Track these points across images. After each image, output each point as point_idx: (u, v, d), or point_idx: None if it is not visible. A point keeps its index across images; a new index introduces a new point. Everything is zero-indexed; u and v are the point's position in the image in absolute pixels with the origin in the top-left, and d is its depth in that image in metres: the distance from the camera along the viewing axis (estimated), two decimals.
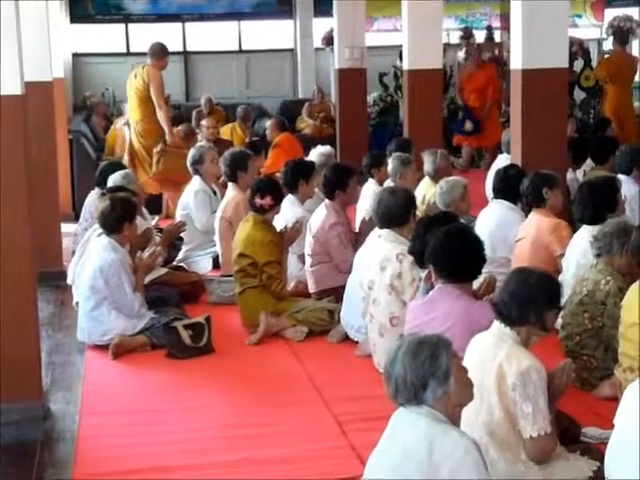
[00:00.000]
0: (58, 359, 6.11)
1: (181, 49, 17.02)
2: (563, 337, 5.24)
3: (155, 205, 9.93)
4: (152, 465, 4.44)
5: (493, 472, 3.50)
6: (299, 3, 17.19)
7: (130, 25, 17.11)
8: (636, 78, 13.16)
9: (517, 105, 7.32)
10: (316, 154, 8.59)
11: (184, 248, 8.12)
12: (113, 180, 7.34)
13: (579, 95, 14.11)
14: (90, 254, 6.40)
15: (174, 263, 7.84)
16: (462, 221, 5.69)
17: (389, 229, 5.59)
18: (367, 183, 8.20)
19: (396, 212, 5.59)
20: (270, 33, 17.56)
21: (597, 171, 8.01)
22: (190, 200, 8.20)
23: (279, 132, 11.38)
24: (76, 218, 9.15)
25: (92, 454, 4.62)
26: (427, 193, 7.83)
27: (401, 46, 10.58)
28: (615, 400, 4.14)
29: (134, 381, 5.68)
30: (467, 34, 14.64)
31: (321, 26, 16.32)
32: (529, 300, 3.82)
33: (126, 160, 10.29)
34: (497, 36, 16.54)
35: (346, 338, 6.07)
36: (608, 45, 15.01)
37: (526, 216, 6.50)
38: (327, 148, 8.87)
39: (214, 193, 8.37)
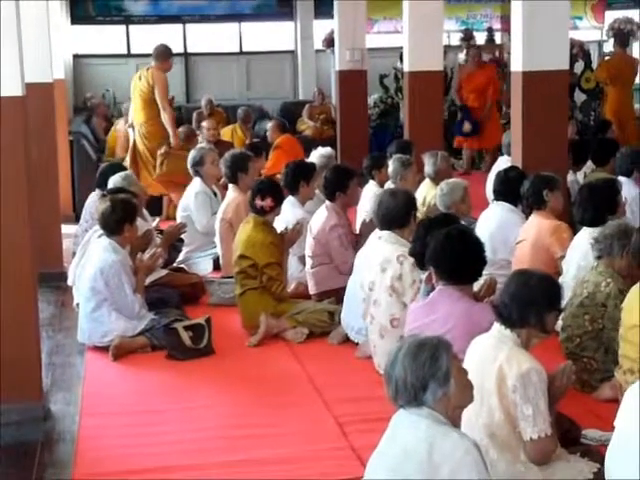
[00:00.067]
0: (58, 360, 6.11)
1: (182, 50, 17.00)
2: (563, 339, 5.24)
3: (156, 207, 9.93)
4: (152, 466, 4.44)
5: (493, 473, 3.50)
6: (300, 5, 17.19)
7: (131, 26, 17.11)
8: (637, 80, 13.16)
9: (517, 107, 7.32)
10: (317, 156, 8.59)
11: (184, 249, 8.12)
12: (114, 181, 7.34)
13: (579, 97, 14.11)
14: (90, 255, 6.40)
15: (174, 264, 7.84)
16: (463, 223, 5.68)
17: (390, 231, 5.59)
18: (368, 185, 8.20)
19: (397, 214, 5.59)
20: (271, 35, 17.57)
21: (598, 173, 8.01)
22: (190, 201, 8.20)
23: (280, 133, 11.38)
24: (76, 219, 9.15)
25: (92, 455, 4.63)
26: (428, 195, 7.83)
27: (402, 48, 10.60)
28: (615, 402, 4.14)
29: (134, 382, 5.69)
30: (468, 36, 14.64)
31: (322, 28, 16.32)
32: (529, 302, 3.82)
33: (128, 161, 10.30)
34: (498, 38, 16.53)
35: (346, 340, 6.07)
36: (609, 47, 15.01)
37: (526, 218, 6.50)
38: (328, 150, 8.87)
39: (214, 195, 8.37)
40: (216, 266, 7.87)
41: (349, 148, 12.08)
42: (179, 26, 17.26)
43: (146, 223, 7.33)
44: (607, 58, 13.50)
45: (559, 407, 3.98)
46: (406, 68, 9.96)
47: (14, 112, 4.95)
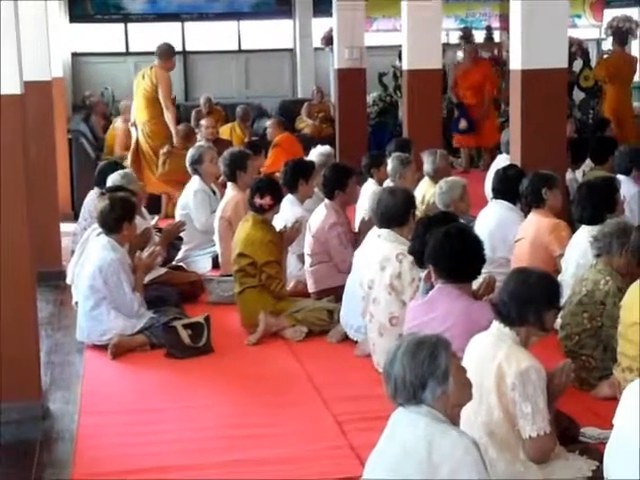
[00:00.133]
0: (57, 359, 6.11)
1: (180, 49, 17.00)
2: (562, 337, 5.24)
3: (154, 205, 9.93)
4: (151, 465, 4.44)
5: (492, 472, 3.50)
6: (298, 3, 17.20)
7: (129, 25, 17.12)
8: (635, 78, 13.17)
9: (516, 105, 7.32)
10: (316, 154, 8.59)
11: (183, 248, 8.12)
12: (112, 180, 7.34)
13: (578, 95, 14.11)
14: (89, 254, 6.40)
15: (173, 263, 7.83)
16: (461, 221, 5.69)
17: (389, 229, 5.59)
18: (367, 183, 8.20)
19: (396, 212, 5.59)
20: (269, 33, 17.57)
21: (596, 171, 8.01)
22: (189, 200, 8.20)
23: (280, 131, 11.39)
24: (75, 218, 9.15)
25: (91, 454, 4.63)
26: (427, 193, 7.83)
27: (400, 46, 10.59)
28: (614, 400, 4.14)
29: (133, 381, 5.68)
30: (466, 34, 14.63)
31: (320, 26, 16.32)
32: (528, 300, 3.82)
33: (129, 160, 10.30)
34: (496, 36, 16.54)
35: (345, 338, 6.07)
36: (607, 45, 15.02)
37: (525, 216, 6.50)
38: (327, 148, 8.87)
39: (213, 193, 8.37)
40: (215, 264, 7.87)
41: (348, 146, 12.08)
42: (178, 24, 17.27)
43: (145, 221, 7.33)
44: (606, 56, 13.51)
45: (558, 405, 3.98)
46: (405, 66, 9.97)
47: (13, 110, 4.94)
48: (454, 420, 3.16)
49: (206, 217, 8.07)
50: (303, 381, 5.50)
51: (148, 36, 16.89)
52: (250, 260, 6.34)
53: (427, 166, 8.04)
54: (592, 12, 18.12)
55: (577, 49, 13.83)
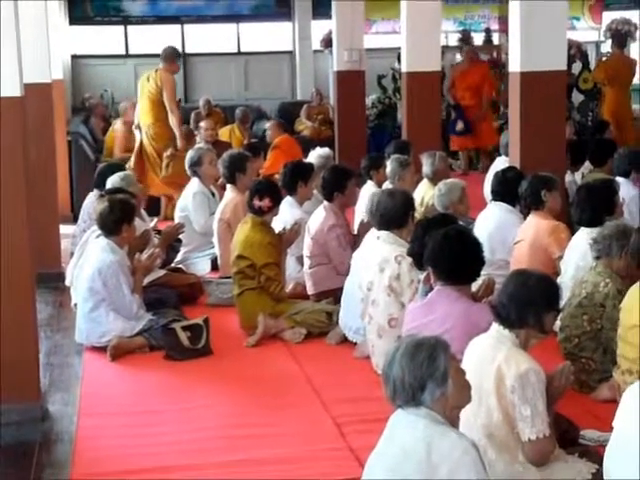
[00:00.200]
0: (56, 360, 6.11)
1: (180, 51, 16.99)
2: (562, 339, 5.24)
3: (154, 207, 9.94)
4: (150, 466, 4.44)
5: (491, 473, 3.50)
6: (298, 5, 17.20)
7: (129, 27, 17.12)
8: (634, 81, 13.17)
9: (515, 107, 7.32)
10: (315, 156, 8.60)
11: (182, 250, 8.12)
12: (112, 182, 7.33)
13: (577, 98, 14.12)
14: (88, 256, 6.40)
15: (172, 265, 7.83)
16: (461, 223, 5.69)
17: (388, 231, 5.59)
18: (366, 185, 8.20)
19: (395, 214, 5.59)
20: (269, 35, 17.58)
21: (595, 173, 8.01)
22: (189, 202, 8.20)
23: (280, 133, 11.39)
24: (75, 220, 9.15)
25: (90, 455, 4.63)
26: (426, 195, 7.83)
27: (399, 48, 10.60)
28: (614, 403, 4.14)
29: (132, 382, 5.68)
30: (465, 37, 14.63)
31: (320, 28, 16.32)
32: (528, 302, 3.82)
33: (132, 162, 10.30)
34: (495, 38, 16.53)
35: (344, 340, 6.07)
36: (606, 48, 15.02)
37: (524, 218, 6.50)
38: (326, 150, 8.87)
39: (212, 195, 8.37)
40: (214, 266, 7.87)
41: (347, 148, 12.08)
42: (177, 26, 17.27)
43: (144, 223, 7.33)
44: (605, 59, 13.51)
45: (557, 407, 3.98)
46: (404, 69, 9.97)
47: (13, 112, 4.95)
48: (453, 422, 3.16)
49: (205, 219, 8.07)
50: (302, 383, 5.50)
51: (148, 38, 16.91)
52: (249, 262, 6.34)
53: (426, 168, 8.04)
54: (591, 14, 18.13)
55: (576, 51, 13.83)
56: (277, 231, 6.58)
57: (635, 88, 13.86)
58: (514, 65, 7.29)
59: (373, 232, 5.80)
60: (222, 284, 7.20)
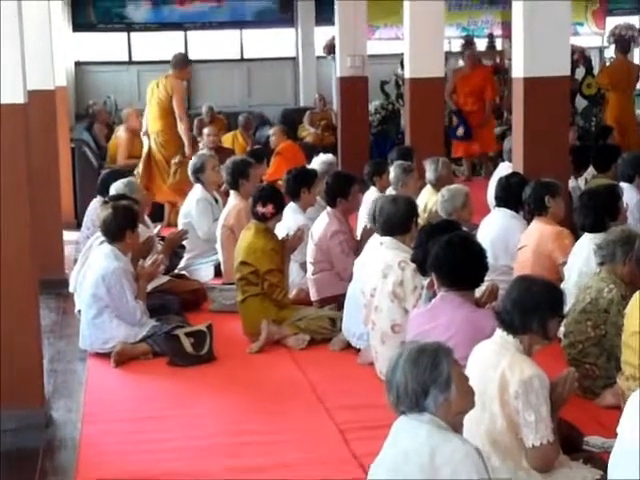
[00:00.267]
0: (60, 367, 6.11)
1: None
2: (566, 345, 5.23)
3: (157, 213, 9.94)
4: (153, 472, 4.44)
5: (494, 479, 3.50)
6: (301, 11, 17.21)
7: (132, 34, 17.13)
8: (638, 86, 13.18)
9: (519, 113, 7.33)
10: (318, 162, 8.60)
11: (186, 256, 8.12)
12: (115, 188, 7.34)
13: (581, 103, 14.12)
14: (92, 262, 6.40)
15: (176, 271, 7.84)
16: (464, 229, 5.68)
17: (391, 237, 5.59)
18: (369, 191, 8.19)
19: (398, 220, 5.59)
20: (272, 41, 17.59)
21: (599, 179, 8.00)
22: (192, 208, 8.20)
23: (284, 139, 11.40)
24: (78, 226, 9.16)
25: (94, 461, 4.63)
26: (429, 201, 7.82)
27: (402, 54, 10.61)
28: (618, 409, 4.14)
29: (136, 389, 5.68)
30: (469, 42, 14.63)
31: (323, 34, 16.34)
32: (532, 308, 3.81)
33: (140, 168, 10.30)
34: (499, 44, 16.55)
35: (348, 346, 6.06)
36: (610, 53, 15.04)
37: (528, 224, 6.49)
38: (329, 156, 8.88)
39: (216, 201, 8.38)
40: (217, 273, 7.87)
41: (350, 154, 12.08)
42: (180, 33, 17.28)
43: (148, 230, 7.34)
44: (608, 64, 13.52)
45: (561, 413, 3.97)
46: (407, 75, 9.97)
47: (16, 119, 4.95)
48: (456, 428, 3.16)
49: (208, 225, 8.07)
50: (305, 389, 5.49)
51: (151, 45, 16.93)
52: (252, 268, 6.34)
53: (429, 174, 8.04)
54: (594, 20, 18.13)
55: (579, 57, 13.85)
56: (280, 237, 6.58)
57: (638, 93, 13.87)
58: (517, 71, 7.29)
59: (376, 238, 5.80)
60: (225, 290, 7.20)
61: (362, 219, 7.77)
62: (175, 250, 7.85)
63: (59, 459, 4.72)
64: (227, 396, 5.45)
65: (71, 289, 7.21)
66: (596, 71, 14.25)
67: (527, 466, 3.70)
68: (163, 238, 7.83)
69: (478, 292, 4.89)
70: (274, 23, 17.49)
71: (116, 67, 16.86)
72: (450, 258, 4.55)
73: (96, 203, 7.90)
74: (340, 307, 6.30)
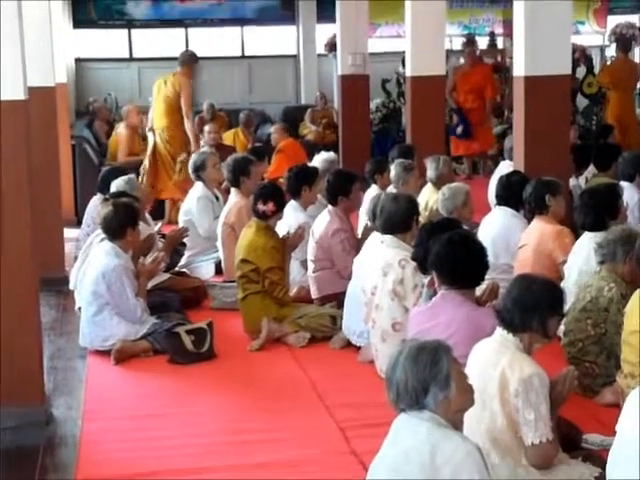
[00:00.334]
0: (60, 364, 6.11)
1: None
2: (566, 344, 5.23)
3: (158, 211, 9.94)
4: (154, 469, 4.45)
5: (494, 477, 3.50)
6: (302, 9, 17.20)
7: (133, 30, 17.12)
8: (639, 85, 13.17)
9: (520, 112, 7.33)
10: (319, 160, 8.60)
11: (187, 254, 8.12)
12: (116, 185, 7.34)
13: (581, 102, 14.12)
14: (92, 259, 6.41)
15: (176, 269, 7.84)
16: (465, 227, 5.69)
17: (392, 235, 5.59)
18: (370, 189, 8.19)
19: (399, 218, 5.59)
20: (273, 39, 17.57)
21: (600, 178, 8.00)
22: (193, 206, 8.20)
23: (285, 137, 11.40)
24: (78, 223, 9.15)
25: (94, 459, 4.63)
26: (430, 199, 7.83)
27: (404, 52, 10.60)
28: (617, 407, 4.14)
29: (136, 386, 5.69)
30: (470, 41, 14.63)
31: (324, 32, 16.34)
32: (532, 307, 3.82)
33: (146, 165, 10.31)
34: (500, 42, 16.54)
35: (348, 344, 6.06)
36: (611, 52, 15.03)
37: (529, 223, 6.49)
38: (330, 154, 8.87)
39: (217, 199, 8.37)
40: (218, 270, 7.87)
41: (351, 152, 12.08)
42: (181, 30, 17.26)
43: (148, 227, 7.34)
44: (609, 63, 13.51)
45: (561, 412, 3.98)
46: (408, 73, 9.97)
47: (16, 116, 4.95)
48: (456, 425, 3.16)
49: (209, 223, 8.07)
50: (306, 387, 5.49)
51: (152, 42, 16.93)
52: (253, 266, 6.34)
53: (430, 172, 8.04)
54: (595, 19, 18.13)
55: (580, 56, 13.84)
56: (281, 235, 6.58)
57: (639, 92, 13.86)
58: (518, 69, 7.29)
59: (376, 236, 5.80)
60: (226, 288, 7.20)
61: (363, 217, 7.78)
62: (176, 248, 7.86)
63: (59, 456, 4.72)
64: (227, 394, 5.45)
65: (71, 286, 7.21)
66: (597, 70, 14.25)
67: (526, 464, 3.71)
68: (164, 236, 7.84)
69: (479, 290, 4.89)
70: (275, 20, 17.48)
71: (117, 64, 16.85)
72: (451, 256, 4.55)
73: (96, 200, 7.90)
74: (340, 305, 6.31)
